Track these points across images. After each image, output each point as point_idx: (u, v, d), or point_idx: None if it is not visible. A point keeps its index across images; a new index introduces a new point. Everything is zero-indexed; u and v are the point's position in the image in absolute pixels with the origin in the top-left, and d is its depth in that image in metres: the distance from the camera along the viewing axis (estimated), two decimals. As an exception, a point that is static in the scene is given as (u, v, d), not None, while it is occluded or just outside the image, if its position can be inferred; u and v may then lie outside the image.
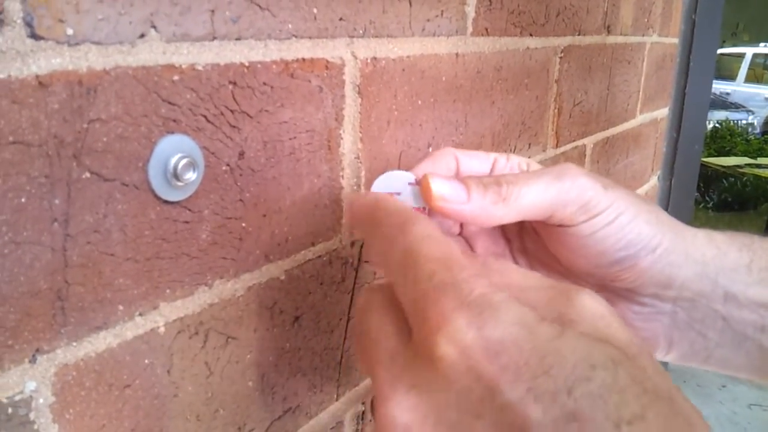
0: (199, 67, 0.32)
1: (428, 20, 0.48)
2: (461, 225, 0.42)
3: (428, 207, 0.35)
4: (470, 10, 0.53)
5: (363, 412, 0.51)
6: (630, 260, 0.36)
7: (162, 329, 0.33)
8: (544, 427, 0.21)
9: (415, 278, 0.27)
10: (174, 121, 0.31)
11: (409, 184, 0.36)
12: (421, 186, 0.34)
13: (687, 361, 0.40)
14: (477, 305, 0.24)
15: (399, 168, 0.46)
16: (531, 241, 0.42)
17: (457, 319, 0.24)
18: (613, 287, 0.38)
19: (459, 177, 0.36)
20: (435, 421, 0.24)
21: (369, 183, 0.46)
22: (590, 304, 0.26)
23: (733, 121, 8.48)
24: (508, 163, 0.40)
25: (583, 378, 0.22)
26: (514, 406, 0.22)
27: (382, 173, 0.36)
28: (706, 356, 0.39)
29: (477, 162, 0.40)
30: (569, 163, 0.36)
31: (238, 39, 0.34)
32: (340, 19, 0.40)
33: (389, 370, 0.27)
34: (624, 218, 0.35)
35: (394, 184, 0.36)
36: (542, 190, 0.34)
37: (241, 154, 0.36)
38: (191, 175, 0.32)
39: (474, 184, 0.34)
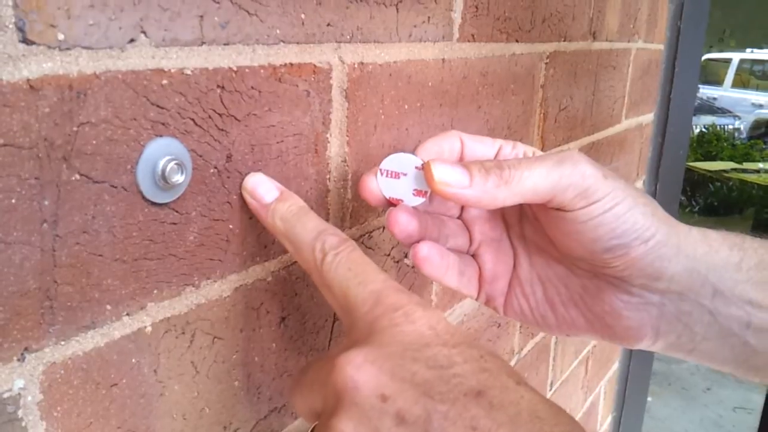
0: (188, 72, 0.33)
1: (415, 26, 0.48)
2: (462, 208, 0.43)
3: (430, 191, 0.36)
4: (456, 17, 0.53)
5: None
6: (622, 249, 0.37)
7: (149, 329, 0.34)
8: None
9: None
10: (162, 124, 0.32)
11: (415, 167, 0.38)
12: (424, 171, 0.36)
13: (671, 351, 0.41)
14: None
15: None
16: (530, 227, 0.43)
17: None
18: (604, 274, 0.39)
19: (462, 161, 0.37)
20: None
21: (356, 186, 0.46)
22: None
23: (720, 125, 8.55)
24: (514, 150, 0.41)
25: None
26: None
27: (393, 153, 0.38)
28: (691, 348, 0.40)
29: (482, 147, 0.41)
30: (572, 150, 0.37)
31: (226, 44, 0.34)
32: (328, 24, 0.41)
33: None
34: (620, 208, 0.36)
35: (401, 165, 0.38)
36: (544, 174, 0.35)
37: (229, 157, 0.36)
38: (179, 178, 0.32)
39: (476, 168, 0.35)
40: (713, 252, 0.38)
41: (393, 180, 0.38)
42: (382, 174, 0.38)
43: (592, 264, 0.39)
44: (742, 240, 0.39)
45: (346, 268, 0.32)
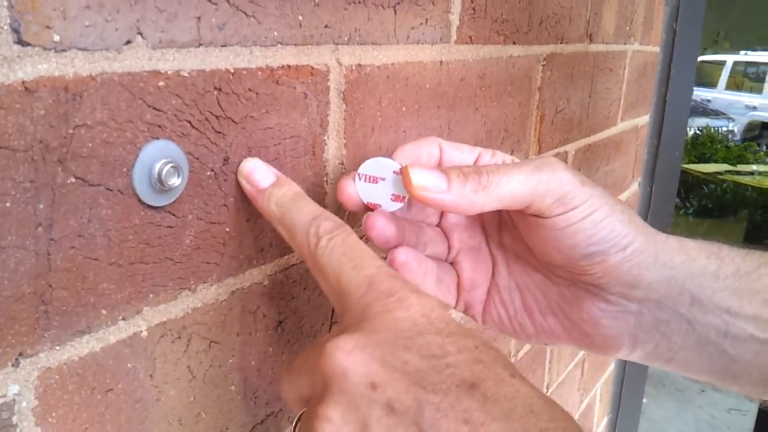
0: (185, 74, 0.32)
1: (413, 28, 0.48)
2: (441, 215, 0.43)
3: (408, 196, 0.36)
4: (454, 19, 0.53)
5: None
6: (600, 256, 0.37)
7: (145, 333, 0.34)
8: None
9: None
10: (159, 126, 0.32)
11: (394, 172, 0.38)
12: (402, 175, 0.35)
13: (650, 361, 0.41)
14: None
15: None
16: (509, 235, 0.43)
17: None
18: (582, 281, 0.39)
19: (441, 167, 0.37)
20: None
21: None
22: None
23: (714, 128, 8.58)
24: (493, 158, 0.41)
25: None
26: None
27: (371, 157, 0.38)
28: (669, 358, 0.40)
29: (460, 154, 0.41)
30: (551, 157, 0.37)
31: (223, 45, 0.34)
32: (326, 26, 0.40)
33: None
34: (598, 215, 0.36)
35: (379, 170, 0.38)
36: (522, 180, 0.35)
37: (226, 160, 0.36)
38: (175, 181, 0.32)
39: (454, 173, 0.35)
40: (690, 260, 0.38)
41: (371, 185, 0.38)
42: (360, 178, 0.38)
43: (570, 271, 0.39)
44: (719, 249, 0.39)
45: (341, 253, 0.32)
